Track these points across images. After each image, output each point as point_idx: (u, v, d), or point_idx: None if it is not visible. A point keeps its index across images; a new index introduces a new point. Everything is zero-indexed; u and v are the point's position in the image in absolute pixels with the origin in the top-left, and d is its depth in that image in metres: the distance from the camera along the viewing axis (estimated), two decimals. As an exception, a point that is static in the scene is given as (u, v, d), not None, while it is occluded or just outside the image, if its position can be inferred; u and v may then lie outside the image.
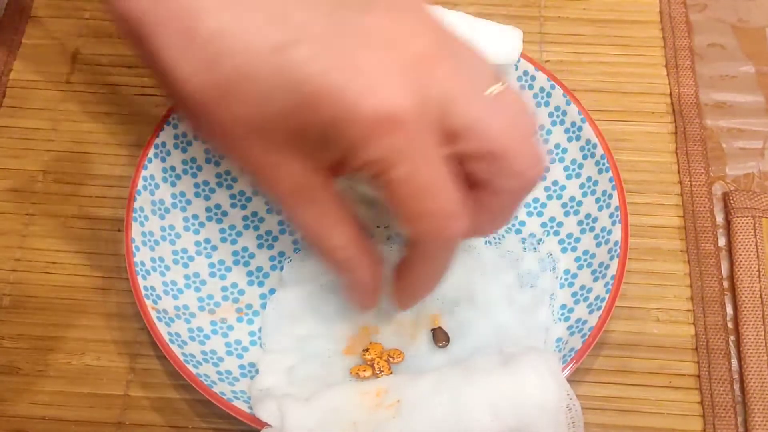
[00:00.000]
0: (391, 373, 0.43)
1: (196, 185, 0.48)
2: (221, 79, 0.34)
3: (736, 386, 0.45)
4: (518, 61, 0.49)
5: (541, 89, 0.49)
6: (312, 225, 0.38)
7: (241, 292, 0.46)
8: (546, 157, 0.37)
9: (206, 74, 0.34)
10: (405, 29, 0.34)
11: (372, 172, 0.34)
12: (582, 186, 0.47)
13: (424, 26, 0.35)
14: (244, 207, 0.48)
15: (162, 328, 0.42)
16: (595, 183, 0.47)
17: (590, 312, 0.43)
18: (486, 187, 0.36)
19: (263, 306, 0.45)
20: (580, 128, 0.48)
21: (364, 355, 0.43)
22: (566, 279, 0.46)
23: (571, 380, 0.40)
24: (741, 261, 0.47)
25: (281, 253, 0.47)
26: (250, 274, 0.47)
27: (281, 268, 0.46)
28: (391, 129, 0.33)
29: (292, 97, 0.33)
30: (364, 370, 0.43)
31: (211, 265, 0.46)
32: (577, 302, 0.44)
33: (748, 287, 0.46)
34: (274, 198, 0.38)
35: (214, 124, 0.36)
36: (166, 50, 0.35)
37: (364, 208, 0.47)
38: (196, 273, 0.46)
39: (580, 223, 0.47)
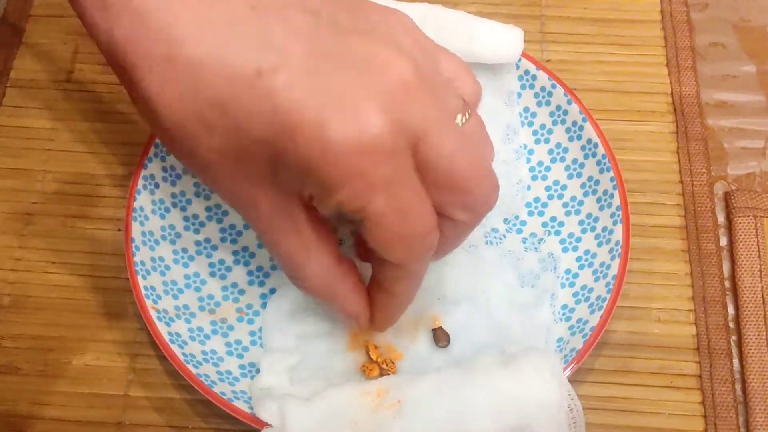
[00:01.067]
0: (396, 371, 0.43)
1: (196, 184, 0.48)
2: (201, 107, 0.33)
3: (738, 386, 0.45)
4: (519, 60, 0.49)
5: (542, 88, 0.49)
6: (289, 254, 0.37)
7: (242, 292, 0.46)
8: (498, 189, 0.37)
9: (186, 103, 0.34)
10: (383, 54, 0.34)
11: (350, 208, 0.33)
12: (583, 185, 0.47)
13: (401, 51, 0.34)
14: (244, 206, 0.48)
15: (162, 328, 0.42)
16: (597, 182, 0.47)
17: (591, 312, 0.43)
18: (442, 215, 0.36)
19: (263, 306, 0.45)
20: (581, 128, 0.47)
21: (369, 353, 0.43)
22: (567, 279, 0.46)
23: (572, 380, 0.40)
24: (742, 261, 0.47)
25: (282, 253, 0.47)
26: (250, 273, 0.46)
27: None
28: (370, 160, 0.32)
29: (271, 126, 0.32)
30: (371, 370, 0.43)
31: (212, 265, 0.46)
32: (578, 302, 0.44)
33: (749, 287, 0.46)
34: (253, 228, 0.38)
35: (194, 154, 0.35)
36: (148, 78, 0.34)
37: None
38: (196, 273, 0.46)
39: (581, 222, 0.47)
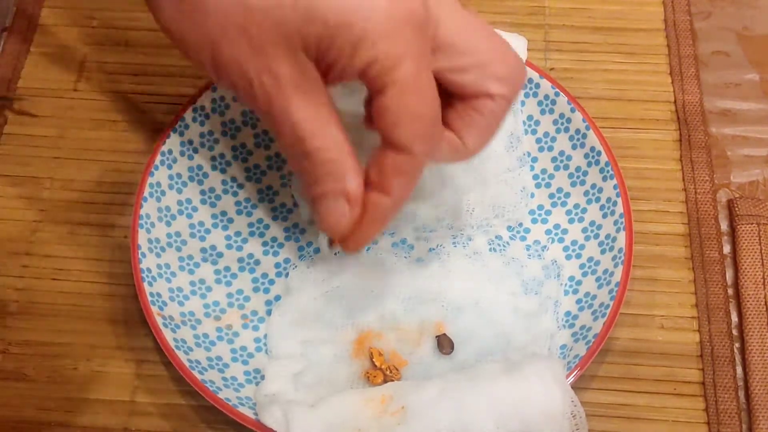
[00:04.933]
0: (400, 378, 0.43)
1: (202, 192, 0.48)
2: None
3: (741, 393, 0.45)
4: (523, 68, 0.49)
5: (546, 97, 0.49)
6: (302, 124, 0.37)
7: (247, 299, 0.46)
8: (522, 63, 0.40)
9: None
10: None
11: (380, 67, 0.35)
12: (586, 193, 0.47)
13: None
14: (249, 214, 0.48)
15: (168, 335, 0.42)
16: (600, 190, 0.47)
17: (595, 319, 0.43)
18: (473, 98, 0.38)
19: (269, 312, 0.46)
20: (584, 136, 0.48)
21: (373, 359, 0.44)
22: (571, 286, 0.46)
23: (575, 387, 0.40)
24: (746, 268, 0.47)
25: (287, 260, 0.47)
26: (255, 280, 0.47)
27: (286, 275, 0.47)
28: (409, 27, 0.34)
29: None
30: (375, 376, 0.43)
31: (217, 272, 0.46)
32: (581, 309, 0.44)
33: (752, 294, 0.46)
34: (266, 101, 0.37)
35: (220, 14, 0.35)
36: None
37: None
38: (202, 279, 0.46)
39: (584, 230, 0.47)
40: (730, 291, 0.47)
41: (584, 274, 0.45)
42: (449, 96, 0.39)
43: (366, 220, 0.39)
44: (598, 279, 0.45)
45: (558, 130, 0.49)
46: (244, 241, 0.48)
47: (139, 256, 0.44)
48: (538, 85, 0.49)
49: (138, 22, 0.55)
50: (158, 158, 0.46)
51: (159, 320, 0.42)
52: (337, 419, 0.40)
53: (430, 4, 0.36)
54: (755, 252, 0.48)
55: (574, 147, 0.48)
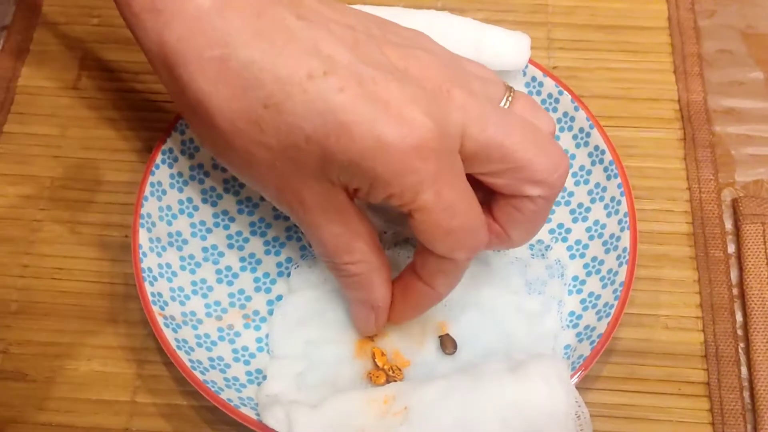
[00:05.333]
0: (403, 378, 0.43)
1: (204, 191, 0.48)
2: (254, 107, 0.35)
3: (746, 394, 0.44)
4: (526, 67, 0.49)
5: (549, 95, 0.49)
6: (333, 240, 0.39)
7: (248, 299, 0.46)
8: (566, 157, 0.39)
9: (239, 102, 0.36)
10: (417, 63, 0.37)
11: (401, 202, 0.35)
12: (590, 192, 0.47)
13: (433, 57, 0.38)
14: (251, 213, 0.48)
15: (169, 335, 0.42)
16: (604, 189, 0.47)
17: (599, 319, 0.43)
18: (512, 197, 0.38)
19: (270, 312, 0.45)
20: (588, 134, 0.47)
21: (376, 360, 0.43)
22: (574, 286, 0.45)
23: (579, 387, 0.40)
24: (750, 268, 0.47)
25: (288, 259, 0.47)
26: (257, 280, 0.46)
27: (288, 275, 0.46)
28: (420, 158, 0.34)
29: (324, 125, 0.34)
30: (378, 377, 0.43)
31: (218, 272, 0.46)
32: (585, 309, 0.44)
33: (757, 294, 0.46)
34: (296, 219, 0.39)
35: (244, 150, 0.37)
36: (200, 78, 0.36)
37: (371, 213, 0.47)
38: (203, 279, 0.46)
39: (588, 229, 0.47)
40: (735, 291, 0.47)
41: (588, 274, 0.45)
42: (493, 191, 0.39)
43: (409, 304, 0.42)
44: (602, 279, 0.44)
45: (561, 129, 0.49)
46: (246, 240, 0.47)
47: (140, 255, 0.44)
48: (541, 84, 0.49)
49: (139, 20, 0.55)
50: (159, 157, 0.46)
51: (160, 320, 0.42)
52: (340, 419, 0.40)
53: (452, 118, 0.35)
54: (760, 251, 0.47)
55: (577, 146, 0.48)
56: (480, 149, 0.36)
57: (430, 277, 0.40)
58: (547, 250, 0.47)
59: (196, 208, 0.47)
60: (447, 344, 0.44)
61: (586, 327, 0.43)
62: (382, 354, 0.44)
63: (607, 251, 0.45)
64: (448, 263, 0.38)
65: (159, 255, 0.45)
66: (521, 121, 0.37)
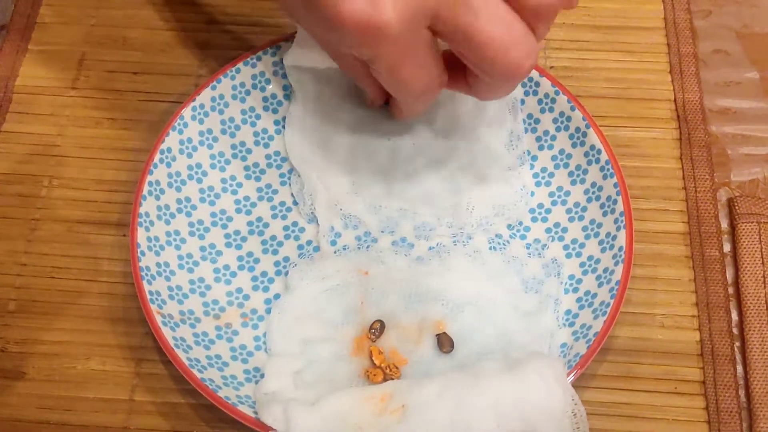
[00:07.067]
0: (400, 376, 0.43)
1: (201, 190, 0.48)
2: None
3: (742, 392, 0.45)
4: (523, 67, 0.49)
5: (546, 95, 0.49)
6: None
7: (246, 297, 0.46)
8: (531, 55, 0.39)
9: None
10: None
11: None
12: (587, 192, 0.47)
13: None
14: (248, 212, 0.48)
15: (167, 333, 0.42)
16: (600, 189, 0.47)
17: (595, 317, 0.43)
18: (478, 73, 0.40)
19: (268, 311, 0.46)
20: (584, 134, 0.48)
21: (374, 358, 0.44)
22: (571, 284, 0.46)
23: (576, 386, 0.40)
24: (746, 267, 0.47)
25: (286, 258, 0.47)
26: (254, 279, 0.47)
27: (286, 273, 0.46)
28: (373, 37, 0.37)
29: None
30: (375, 375, 0.43)
31: (216, 270, 0.46)
32: (581, 308, 0.44)
33: (753, 293, 0.46)
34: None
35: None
36: None
37: (371, 214, 0.47)
38: (201, 278, 0.46)
39: (584, 228, 0.47)
40: (731, 289, 0.47)
41: (584, 273, 0.45)
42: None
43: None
44: (598, 277, 0.45)
45: (558, 129, 0.49)
46: (243, 239, 0.48)
47: (138, 254, 0.44)
48: (538, 84, 0.49)
49: (136, 20, 0.55)
50: (157, 156, 0.46)
51: (158, 319, 0.42)
52: (337, 417, 0.40)
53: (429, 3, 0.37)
54: (755, 250, 0.48)
55: (574, 145, 0.48)
56: (447, 33, 0.38)
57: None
58: (543, 249, 0.47)
59: (193, 207, 0.47)
60: (444, 343, 0.44)
61: (583, 325, 0.43)
62: (380, 352, 0.44)
63: (603, 250, 0.45)
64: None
65: (157, 254, 0.45)
66: (490, 14, 0.37)
